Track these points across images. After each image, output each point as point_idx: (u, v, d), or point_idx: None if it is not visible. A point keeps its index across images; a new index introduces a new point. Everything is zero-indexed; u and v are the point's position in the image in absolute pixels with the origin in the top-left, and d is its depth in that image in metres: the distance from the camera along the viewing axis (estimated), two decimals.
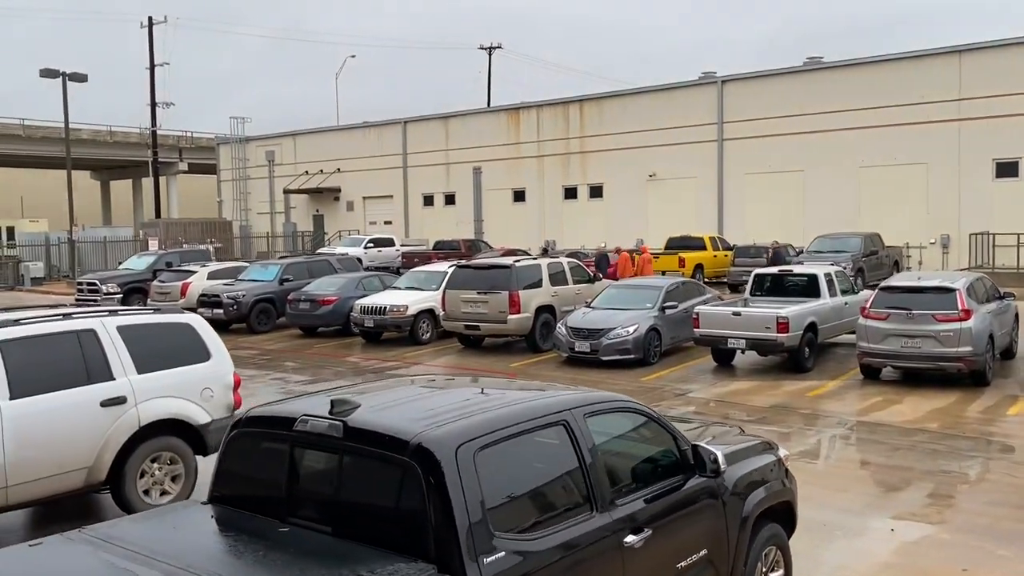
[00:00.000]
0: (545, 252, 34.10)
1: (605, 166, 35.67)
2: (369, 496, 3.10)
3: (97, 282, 21.69)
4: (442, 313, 16.01)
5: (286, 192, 46.56)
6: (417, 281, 18.18)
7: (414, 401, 3.57)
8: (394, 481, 3.02)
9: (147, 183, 66.66)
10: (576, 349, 13.76)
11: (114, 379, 6.63)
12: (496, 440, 3.14)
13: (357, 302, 17.37)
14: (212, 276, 21.07)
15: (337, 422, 3.29)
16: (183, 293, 20.35)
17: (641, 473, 3.56)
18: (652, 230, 34.58)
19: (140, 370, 6.82)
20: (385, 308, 16.75)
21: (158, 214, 50.76)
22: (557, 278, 16.09)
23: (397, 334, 17.58)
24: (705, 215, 33.22)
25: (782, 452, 4.28)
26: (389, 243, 36.20)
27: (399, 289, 17.97)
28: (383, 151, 43.36)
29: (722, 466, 3.65)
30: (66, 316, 6.58)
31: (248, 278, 20.32)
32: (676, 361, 14.38)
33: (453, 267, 17.92)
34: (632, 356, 13.60)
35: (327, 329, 19.09)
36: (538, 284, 15.59)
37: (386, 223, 44.00)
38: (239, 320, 19.24)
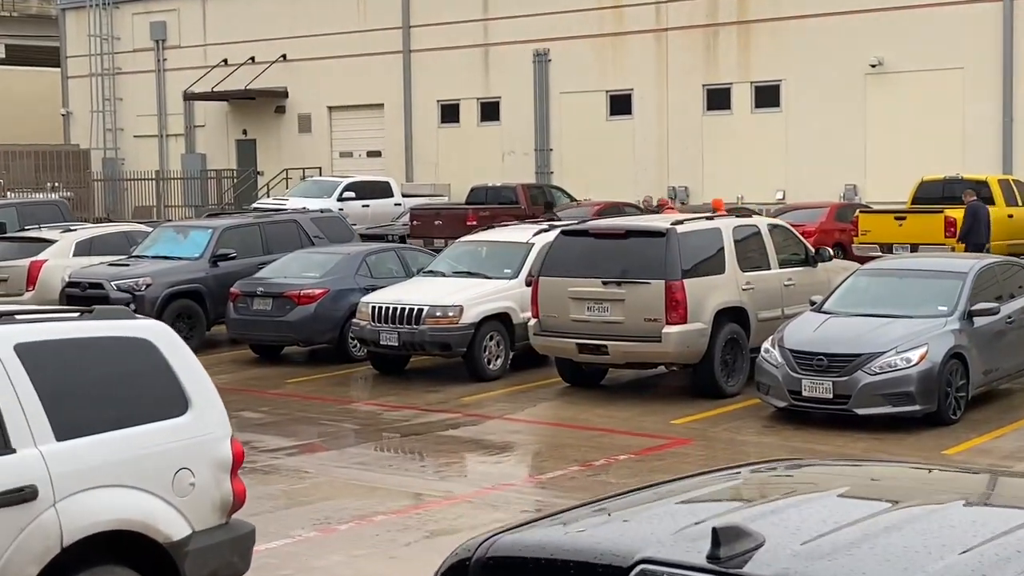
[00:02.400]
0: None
1: (785, 48, 34.77)
2: None
3: None
4: (530, 321, 15.43)
5: (188, 98, 46.41)
6: (471, 262, 17.66)
7: (874, 533, 2.86)
8: None
9: None
10: (805, 393, 13.07)
11: (13, 450, 6.16)
12: None
13: (365, 300, 16.88)
14: (83, 250, 20.78)
15: None
16: (31, 280, 20.11)
17: None
18: (874, 167, 33.68)
19: (60, 434, 6.34)
20: (421, 312, 16.21)
21: None
22: (750, 255, 15.43)
23: (442, 359, 17.05)
24: (980, 140, 32.18)
25: None
26: (383, 192, 35.84)
27: (440, 276, 17.44)
28: (366, 23, 42.90)
29: None
30: None
31: (151, 253, 19.99)
32: (996, 416, 13.72)
33: (544, 232, 17.36)
34: (916, 408, 12.88)
35: (302, 349, 18.68)
36: (717, 267, 14.95)
37: (371, 155, 43.63)
38: None
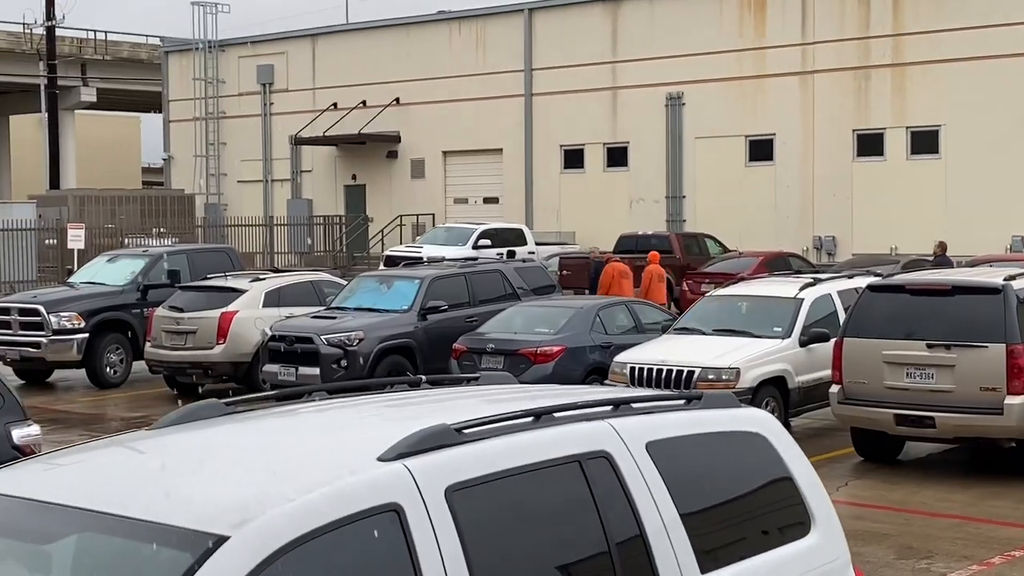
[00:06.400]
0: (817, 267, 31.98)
1: (945, 91, 33.17)
2: None
3: (40, 309, 20.20)
4: (832, 388, 13.78)
5: (298, 143, 45.25)
6: (731, 319, 16.01)
7: None
8: None
9: (22, 125, 66.65)
10: None
11: None
12: None
13: (620, 360, 15.27)
14: (272, 300, 19.35)
15: None
16: (222, 332, 18.64)
17: None
18: None
19: (703, 562, 4.77)
20: (691, 374, 14.59)
21: (54, 180, 50.28)
22: None
23: None
24: None
25: None
26: (517, 239, 34.40)
27: (697, 334, 15.83)
28: (485, 66, 41.65)
29: None
30: (538, 417, 4.57)
31: (352, 305, 18.52)
32: None
33: (810, 286, 15.81)
34: None
35: None
36: None
37: (488, 201, 42.27)
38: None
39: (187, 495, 3.89)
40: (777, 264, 27.90)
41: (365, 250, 42.22)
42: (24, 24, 53.07)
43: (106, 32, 58.00)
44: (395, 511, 3.94)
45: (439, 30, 42.77)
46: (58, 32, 50.84)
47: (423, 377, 5.58)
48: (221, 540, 3.60)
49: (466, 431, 4.32)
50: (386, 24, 44.42)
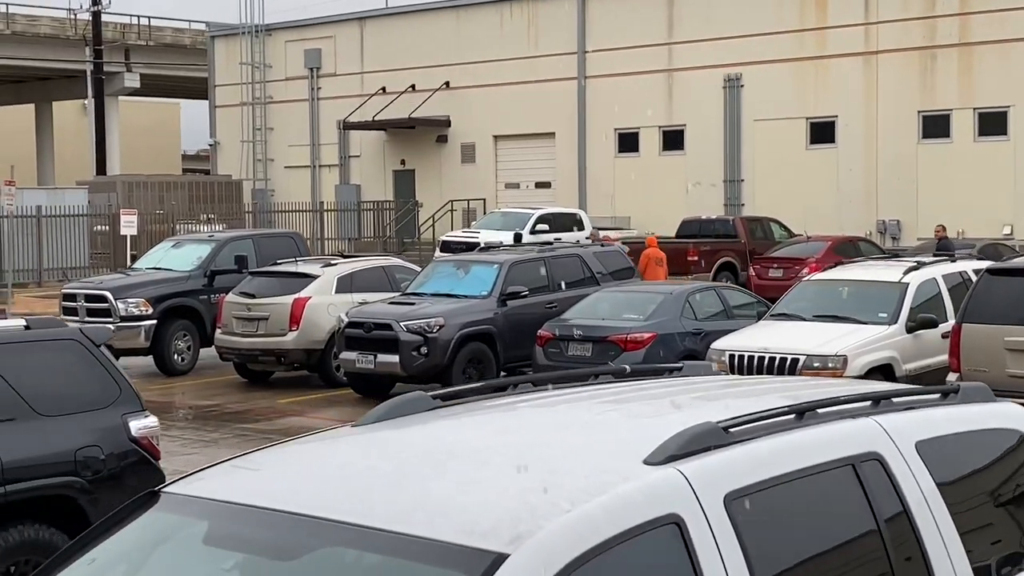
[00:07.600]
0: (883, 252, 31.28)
1: (1014, 71, 32.33)
2: None
3: (108, 295, 19.79)
4: (951, 377, 13.16)
5: (345, 128, 44.78)
6: (831, 304, 15.39)
7: None
8: None
9: (63, 112, 66.54)
10: None
11: None
12: None
13: (717, 347, 14.67)
14: (344, 286, 18.86)
15: None
16: (295, 318, 18.17)
17: None
18: None
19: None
20: (796, 362, 13.99)
21: (100, 167, 50.02)
22: None
23: None
24: None
25: None
26: (575, 224, 33.81)
27: (797, 320, 15.22)
28: (537, 49, 41.02)
29: None
30: (801, 415, 4.01)
31: (429, 291, 18.00)
32: None
33: (914, 270, 15.18)
34: None
35: None
36: None
37: (540, 186, 41.68)
38: (429, 376, 16.81)
39: (441, 503, 3.34)
40: (846, 249, 27.21)
41: (415, 236, 41.76)
42: (69, 10, 52.89)
43: (149, 17, 57.75)
44: (676, 524, 3.38)
45: (489, 12, 42.17)
46: (102, 17, 50.54)
47: (627, 367, 5.04)
48: (500, 559, 3.05)
49: (732, 430, 3.77)
50: (435, 7, 43.86)
